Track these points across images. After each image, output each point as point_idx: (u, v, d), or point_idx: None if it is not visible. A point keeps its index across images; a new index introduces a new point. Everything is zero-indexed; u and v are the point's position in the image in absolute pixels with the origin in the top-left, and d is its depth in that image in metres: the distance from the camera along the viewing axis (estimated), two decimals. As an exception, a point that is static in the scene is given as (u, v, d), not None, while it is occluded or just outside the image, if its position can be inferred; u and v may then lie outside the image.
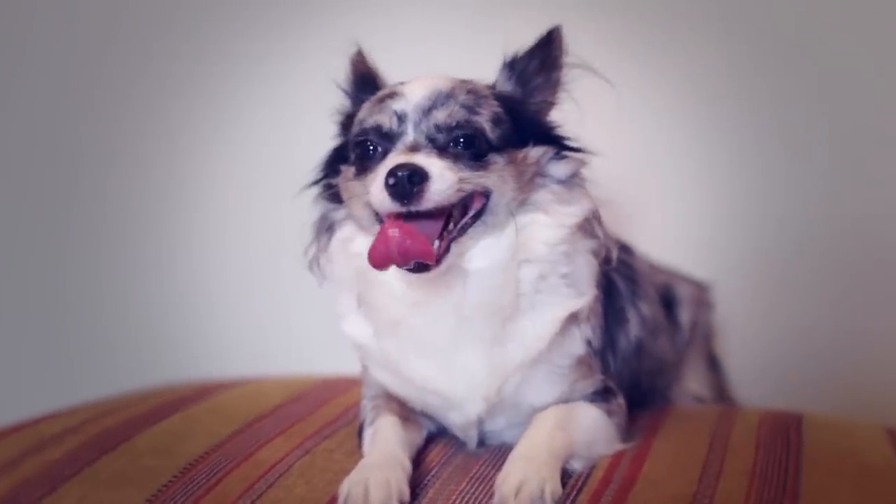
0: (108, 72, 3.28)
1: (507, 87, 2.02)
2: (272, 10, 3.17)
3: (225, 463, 1.96)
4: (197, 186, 3.32)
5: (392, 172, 1.77)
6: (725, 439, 2.08)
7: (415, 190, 1.77)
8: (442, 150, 1.87)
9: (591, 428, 2.01)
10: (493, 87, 2.02)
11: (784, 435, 2.10)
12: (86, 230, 3.36)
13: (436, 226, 1.84)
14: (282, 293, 3.22)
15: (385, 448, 1.91)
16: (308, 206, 2.13)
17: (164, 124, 3.27)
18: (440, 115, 1.89)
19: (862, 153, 2.96)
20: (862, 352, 3.01)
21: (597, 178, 2.05)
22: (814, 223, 3.00)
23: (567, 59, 2.01)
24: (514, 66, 2.03)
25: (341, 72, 2.13)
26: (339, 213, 2.06)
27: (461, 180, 1.84)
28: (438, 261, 1.82)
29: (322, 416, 2.25)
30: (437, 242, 1.83)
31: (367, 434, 2.01)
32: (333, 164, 2.07)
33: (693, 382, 2.69)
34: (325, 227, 2.08)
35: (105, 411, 2.30)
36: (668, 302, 2.59)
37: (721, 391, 2.79)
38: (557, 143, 2.01)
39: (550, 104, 2.04)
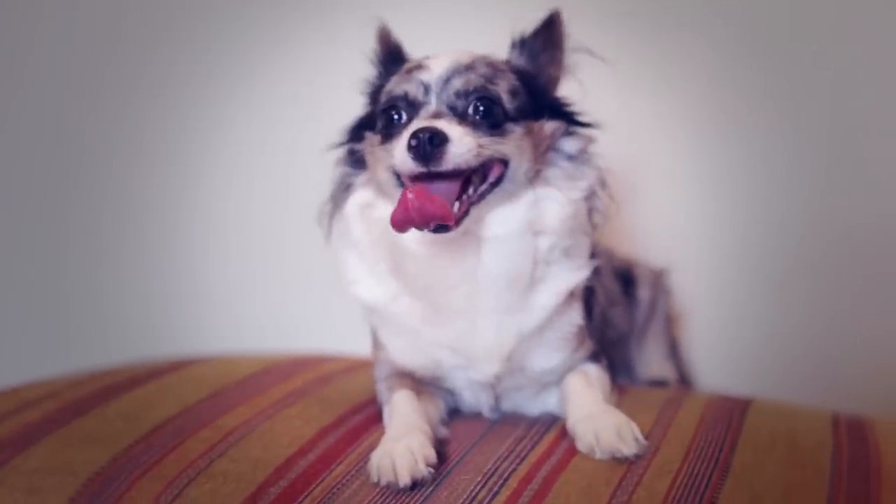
0: (118, 54, 3.36)
1: (520, 61, 2.14)
2: (274, 6, 3.24)
3: (189, 427, 2.07)
4: (198, 175, 3.40)
5: (414, 135, 1.88)
6: (671, 418, 2.17)
7: (435, 151, 1.88)
8: (462, 118, 1.99)
9: (602, 382, 2.21)
10: (508, 61, 2.14)
11: (727, 416, 2.17)
12: (86, 216, 3.45)
13: (454, 188, 1.95)
14: (280, 274, 3.32)
15: (403, 420, 2.02)
16: (308, 191, 2.23)
17: (165, 110, 3.34)
18: (458, 83, 2.01)
19: (829, 148, 3.02)
20: (830, 341, 3.07)
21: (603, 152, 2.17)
22: (783, 212, 3.05)
23: (568, 41, 2.14)
24: (523, 44, 2.15)
25: (343, 64, 2.21)
26: (360, 178, 2.17)
27: (480, 145, 1.95)
28: (457, 222, 1.93)
29: (286, 387, 2.34)
30: (456, 204, 1.94)
31: (386, 411, 2.11)
32: (358, 131, 2.19)
33: (655, 366, 2.81)
34: (343, 188, 2.19)
35: (85, 379, 2.39)
36: (627, 281, 2.74)
37: (682, 375, 2.89)
38: (569, 118, 2.13)
39: (557, 80, 2.16)
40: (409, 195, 1.87)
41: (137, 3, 3.33)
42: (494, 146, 1.99)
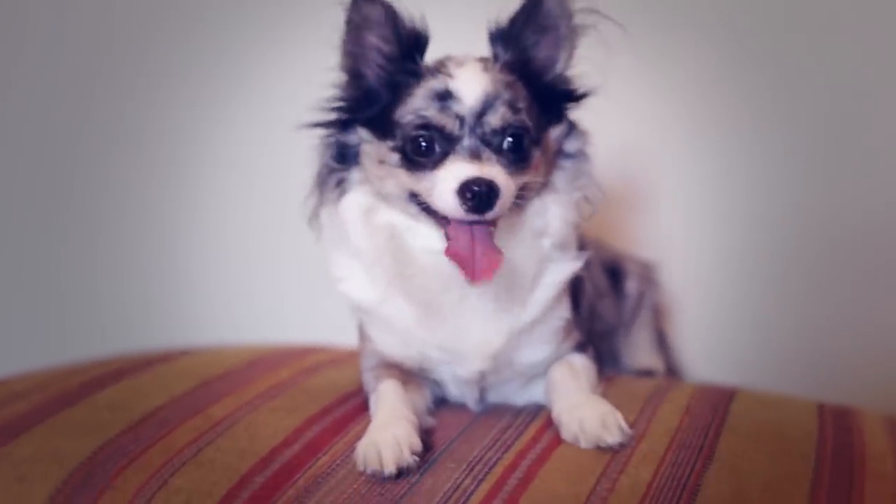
0: (110, 56, 3.38)
1: (508, 58, 2.06)
2: (273, 5, 3.25)
3: (176, 417, 2.08)
4: (193, 166, 3.42)
5: (468, 186, 1.87)
6: (656, 406, 2.18)
7: (491, 211, 1.88)
8: (497, 154, 1.96)
9: (588, 372, 2.21)
10: (496, 60, 2.06)
11: (713, 405, 2.19)
12: (80, 209, 3.47)
13: (492, 228, 1.95)
14: (270, 265, 3.35)
15: (388, 408, 2.01)
16: (297, 186, 2.19)
17: (162, 105, 3.35)
18: (493, 120, 1.97)
19: (817, 143, 3.04)
20: (819, 332, 3.10)
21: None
22: (772, 204, 3.08)
23: (566, 12, 2.04)
24: (500, 36, 2.07)
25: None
26: (353, 175, 2.10)
27: (517, 186, 1.96)
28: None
29: (272, 379, 2.35)
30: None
31: (372, 401, 2.11)
32: (347, 121, 2.09)
33: (643, 356, 2.83)
34: (335, 184, 2.12)
35: (73, 371, 2.40)
36: (615, 274, 2.75)
37: (670, 366, 2.91)
38: (565, 98, 2.09)
39: (559, 67, 2.09)
40: (479, 250, 1.91)
41: (136, 1, 3.35)
42: (524, 179, 1.99)
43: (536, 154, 2.03)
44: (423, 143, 1.97)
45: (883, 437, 2.11)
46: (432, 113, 1.97)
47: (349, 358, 2.45)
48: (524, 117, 1.99)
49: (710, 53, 3.05)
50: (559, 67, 2.09)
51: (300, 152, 2.18)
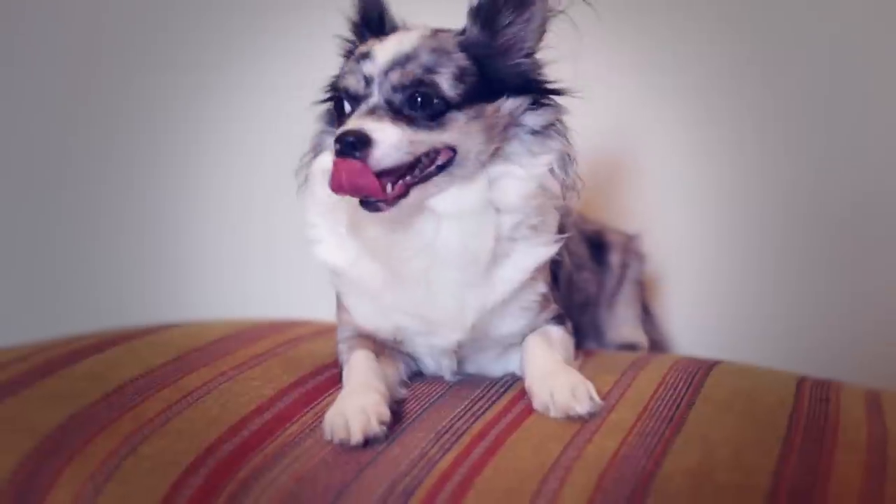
0: (109, 43, 3.43)
1: (475, 34, 2.06)
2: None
3: (150, 387, 2.09)
4: (186, 151, 3.46)
5: (339, 138, 1.90)
6: (632, 377, 2.19)
7: (357, 154, 1.88)
8: (398, 112, 1.97)
9: (564, 343, 2.22)
10: (462, 34, 2.07)
11: (689, 376, 2.19)
12: (75, 194, 3.52)
13: (387, 178, 1.95)
14: (266, 244, 3.39)
15: (358, 378, 2.03)
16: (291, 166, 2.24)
17: (153, 91, 3.39)
18: (395, 76, 1.98)
19: (807, 120, 3.04)
20: (806, 306, 3.09)
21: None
22: (759, 178, 3.08)
23: None
24: (478, 12, 2.07)
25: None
26: (329, 138, 2.13)
27: (412, 143, 1.94)
28: (392, 202, 1.95)
29: (251, 351, 2.36)
30: (388, 186, 1.94)
31: (344, 371, 2.12)
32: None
33: (626, 330, 2.83)
34: (313, 146, 2.21)
35: (56, 344, 2.41)
36: (598, 247, 2.75)
37: (655, 340, 2.91)
38: (536, 89, 2.08)
39: (528, 47, 2.08)
40: (345, 164, 1.90)
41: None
42: (432, 139, 1.98)
43: (457, 118, 2.00)
44: (342, 104, 2.04)
45: (861, 408, 2.09)
46: (346, 74, 2.04)
47: (330, 331, 2.44)
48: (438, 80, 1.98)
49: (694, 29, 3.04)
50: (528, 47, 2.08)
51: (295, 135, 2.23)
